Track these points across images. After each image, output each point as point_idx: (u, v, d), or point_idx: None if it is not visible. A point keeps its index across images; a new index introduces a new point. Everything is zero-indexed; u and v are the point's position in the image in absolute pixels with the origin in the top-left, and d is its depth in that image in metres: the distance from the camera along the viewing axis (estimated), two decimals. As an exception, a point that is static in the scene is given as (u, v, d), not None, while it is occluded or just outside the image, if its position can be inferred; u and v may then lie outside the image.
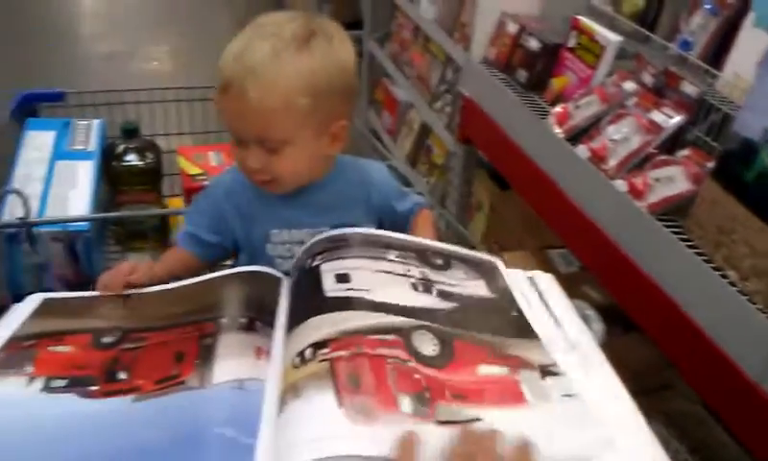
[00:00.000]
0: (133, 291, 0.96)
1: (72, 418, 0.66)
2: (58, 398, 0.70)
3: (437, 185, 2.51)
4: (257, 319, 0.80)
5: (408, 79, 2.69)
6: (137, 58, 4.20)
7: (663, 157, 1.35)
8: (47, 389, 0.71)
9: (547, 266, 1.80)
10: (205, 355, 0.72)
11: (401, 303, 0.76)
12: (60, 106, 1.63)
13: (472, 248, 1.14)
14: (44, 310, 0.90)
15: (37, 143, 1.44)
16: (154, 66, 4.09)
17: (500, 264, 0.92)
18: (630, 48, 1.66)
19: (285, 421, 0.61)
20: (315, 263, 0.85)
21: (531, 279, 0.91)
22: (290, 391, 0.64)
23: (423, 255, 0.88)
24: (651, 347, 1.32)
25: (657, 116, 1.40)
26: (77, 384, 0.71)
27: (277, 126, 0.90)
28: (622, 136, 1.43)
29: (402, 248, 0.89)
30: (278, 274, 0.92)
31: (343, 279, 0.80)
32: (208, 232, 1.03)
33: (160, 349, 0.77)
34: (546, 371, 0.70)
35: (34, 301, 0.92)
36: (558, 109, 1.62)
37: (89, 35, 4.63)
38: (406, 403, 0.62)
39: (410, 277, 0.83)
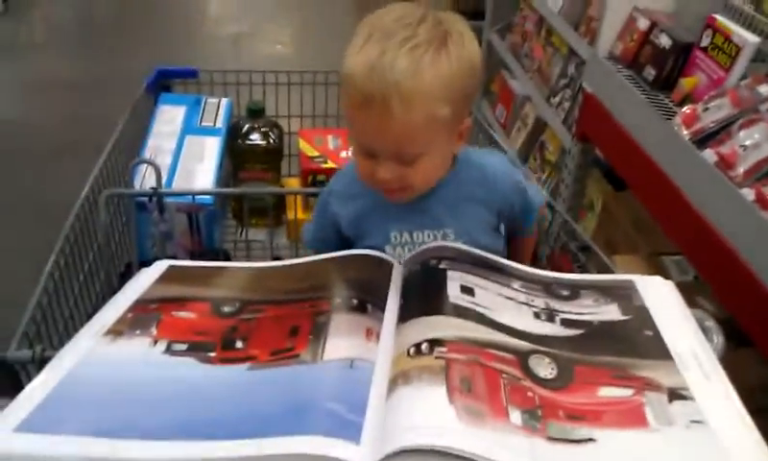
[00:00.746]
0: (255, 265, 1.00)
1: (189, 381, 0.70)
2: (178, 361, 0.74)
3: (548, 183, 2.46)
4: (369, 301, 0.82)
5: (527, 72, 2.65)
6: (262, 40, 4.35)
7: (797, 168, 1.27)
8: (169, 351, 0.75)
9: (660, 273, 1.72)
10: (319, 332, 0.75)
11: (521, 328, 0.76)
12: (192, 82, 1.71)
13: (585, 248, 1.13)
14: (170, 277, 0.95)
15: (169, 117, 1.52)
16: (277, 49, 4.22)
17: (639, 281, 0.87)
18: (768, 50, 1.57)
19: (393, 404, 0.63)
20: (442, 266, 0.85)
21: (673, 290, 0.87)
22: (401, 377, 0.65)
23: (548, 288, 0.87)
24: (765, 364, 1.25)
25: (793, 124, 1.32)
26: (196, 349, 0.75)
27: (419, 139, 0.87)
28: (753, 143, 1.35)
29: (527, 279, 0.89)
30: (392, 259, 0.94)
31: (468, 291, 0.81)
32: (333, 235, 1.06)
33: (277, 322, 0.79)
34: (675, 394, 0.66)
35: (160, 267, 0.97)
36: (686, 109, 1.56)
37: (217, 16, 4.84)
38: (516, 416, 0.61)
39: (533, 306, 0.82)
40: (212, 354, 0.74)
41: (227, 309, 0.84)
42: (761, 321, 1.25)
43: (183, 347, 0.76)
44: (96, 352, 0.75)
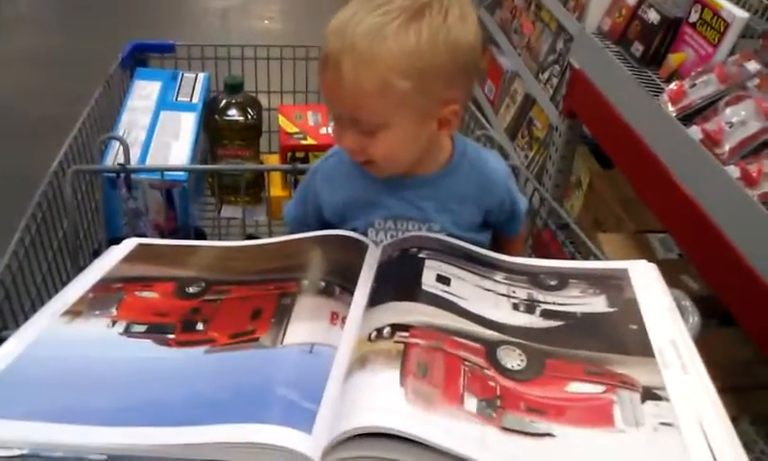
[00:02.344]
0: (225, 244, 0.98)
1: (144, 363, 0.68)
2: (134, 342, 0.72)
3: (535, 160, 2.43)
4: (338, 284, 0.79)
5: (516, 48, 2.61)
6: (250, 15, 4.28)
7: (784, 145, 1.25)
8: (127, 333, 0.73)
9: (646, 251, 1.72)
10: (282, 315, 0.72)
11: (494, 319, 0.74)
12: (169, 57, 1.67)
13: (564, 227, 1.11)
14: (137, 255, 0.92)
15: (144, 92, 1.49)
16: (264, 25, 4.16)
17: (633, 269, 0.84)
18: (757, 26, 1.54)
19: (347, 389, 0.61)
20: (421, 255, 0.84)
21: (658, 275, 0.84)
22: (358, 361, 0.64)
23: (536, 279, 0.84)
24: (747, 342, 1.24)
25: (780, 101, 1.30)
26: (155, 331, 0.73)
27: (371, 108, 0.83)
28: (740, 120, 1.33)
29: (513, 271, 0.86)
30: (367, 240, 0.91)
31: (443, 280, 0.79)
32: (313, 217, 1.03)
33: (240, 303, 0.77)
34: (650, 393, 0.63)
35: (129, 245, 0.95)
36: (672, 86, 1.53)
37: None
38: (472, 403, 0.59)
39: (513, 297, 0.80)
40: (170, 336, 0.72)
41: (191, 290, 0.82)
42: (745, 299, 1.23)
43: (142, 328, 0.74)
44: (51, 333, 0.73)
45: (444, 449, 0.53)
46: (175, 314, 0.76)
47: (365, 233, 0.95)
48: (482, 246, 0.95)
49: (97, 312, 0.77)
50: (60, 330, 0.74)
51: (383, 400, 0.57)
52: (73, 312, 0.77)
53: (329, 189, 0.99)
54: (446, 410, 0.58)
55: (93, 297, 0.80)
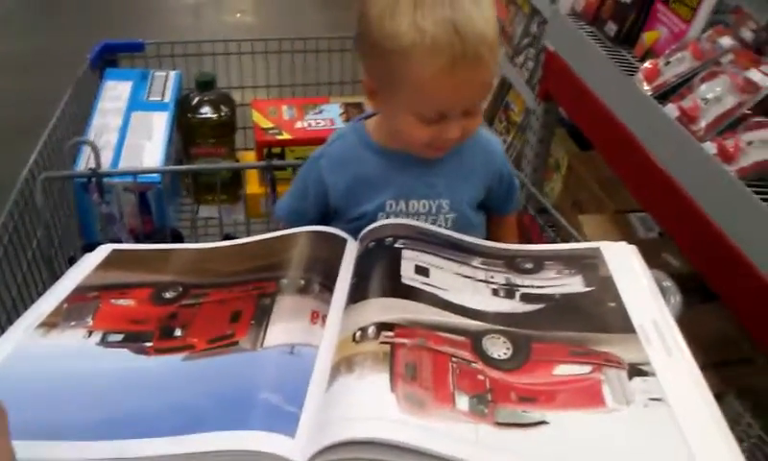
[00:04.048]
0: (201, 246, 0.96)
1: (122, 373, 0.67)
2: (112, 352, 0.70)
3: (513, 144, 2.43)
4: (317, 281, 0.78)
5: (490, 32, 2.61)
6: (222, 9, 4.24)
7: (758, 120, 1.24)
8: (103, 343, 0.71)
9: (626, 230, 1.72)
10: (261, 317, 0.71)
11: (476, 307, 0.73)
12: (140, 56, 1.65)
13: (542, 211, 1.11)
14: (112, 261, 0.91)
15: (115, 93, 1.46)
16: (236, 18, 4.11)
17: (606, 249, 0.85)
18: (730, 1, 1.54)
19: (334, 393, 0.60)
20: (397, 245, 0.82)
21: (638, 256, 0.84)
22: (344, 364, 0.63)
23: (512, 262, 0.84)
24: (730, 318, 1.24)
25: (754, 75, 1.29)
26: (131, 340, 0.71)
27: (491, 87, 0.88)
28: (715, 96, 1.33)
29: (489, 255, 0.86)
30: (345, 235, 0.90)
31: (422, 271, 0.78)
32: (313, 207, 1.01)
33: (218, 307, 0.76)
34: (636, 369, 0.63)
35: (103, 251, 0.93)
36: (647, 64, 1.53)
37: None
38: (464, 402, 0.59)
39: (492, 283, 0.79)
40: (148, 345, 0.70)
41: (168, 295, 0.80)
42: (726, 274, 1.24)
43: (119, 337, 0.72)
44: (26, 347, 0.72)
45: (439, 456, 0.53)
46: (152, 321, 0.74)
47: (374, 218, 0.94)
48: (480, 228, 0.98)
49: (73, 323, 0.75)
50: (35, 344, 0.72)
51: (375, 408, 0.56)
52: (48, 324, 0.75)
53: (337, 172, 0.98)
54: (439, 413, 0.57)
55: (68, 307, 0.79)
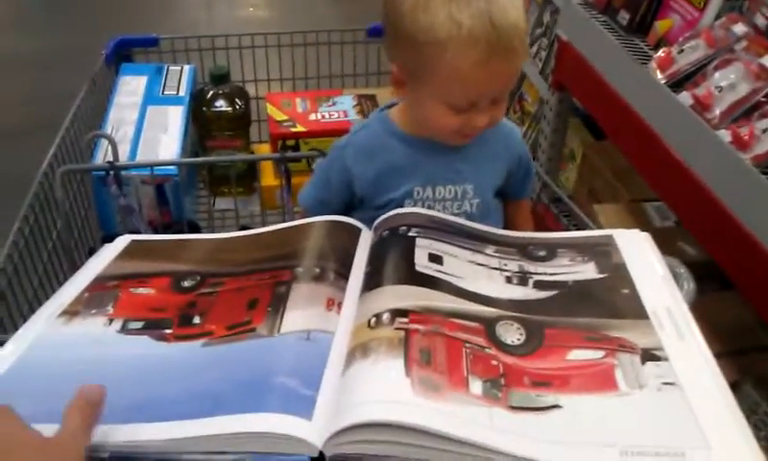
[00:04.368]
0: (218, 236, 0.97)
1: (143, 360, 0.68)
2: (132, 339, 0.71)
3: (528, 135, 2.43)
4: (332, 269, 0.79)
5: (503, 22, 2.60)
6: (234, 4, 4.25)
7: (774, 106, 1.24)
8: (124, 330, 0.73)
9: (641, 219, 1.72)
10: (278, 304, 0.72)
11: (490, 294, 0.74)
12: (154, 51, 1.66)
13: (557, 200, 1.11)
14: (131, 252, 0.92)
15: (130, 88, 1.48)
16: (249, 12, 4.13)
17: (619, 236, 0.85)
18: (744, -13, 1.53)
19: (350, 377, 0.61)
20: (411, 234, 0.83)
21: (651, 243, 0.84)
22: (359, 349, 0.63)
23: (525, 250, 0.85)
24: (746, 306, 1.24)
25: (768, 62, 1.29)
26: (152, 327, 0.73)
27: (520, 72, 0.90)
28: (729, 83, 1.32)
29: (502, 243, 0.87)
30: (360, 224, 0.91)
31: (436, 259, 0.79)
32: (337, 196, 1.02)
33: (235, 294, 0.77)
34: (649, 354, 0.64)
35: (122, 242, 0.94)
36: (660, 53, 1.52)
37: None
38: (477, 386, 0.59)
39: (505, 270, 0.80)
40: (168, 332, 0.72)
41: (186, 284, 0.81)
42: (741, 262, 1.24)
43: (139, 325, 0.74)
44: (48, 335, 0.73)
45: (453, 438, 0.54)
46: (171, 309, 0.76)
47: (401, 204, 0.96)
48: (499, 213, 1.01)
49: (93, 311, 0.76)
50: (57, 332, 0.74)
51: (391, 391, 0.57)
52: (69, 312, 0.77)
53: (364, 161, 0.99)
54: (453, 396, 0.58)
55: (89, 296, 0.80)
